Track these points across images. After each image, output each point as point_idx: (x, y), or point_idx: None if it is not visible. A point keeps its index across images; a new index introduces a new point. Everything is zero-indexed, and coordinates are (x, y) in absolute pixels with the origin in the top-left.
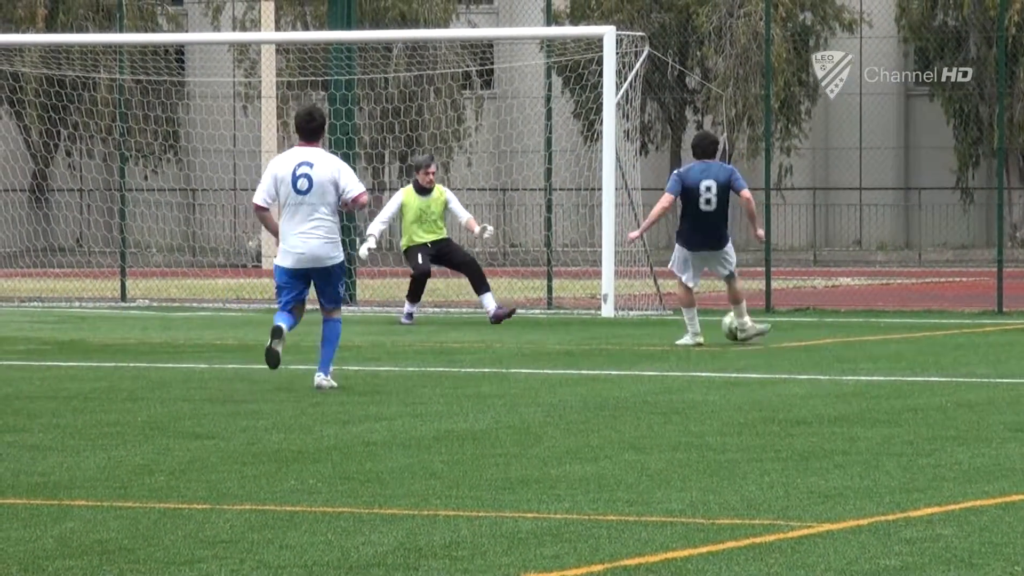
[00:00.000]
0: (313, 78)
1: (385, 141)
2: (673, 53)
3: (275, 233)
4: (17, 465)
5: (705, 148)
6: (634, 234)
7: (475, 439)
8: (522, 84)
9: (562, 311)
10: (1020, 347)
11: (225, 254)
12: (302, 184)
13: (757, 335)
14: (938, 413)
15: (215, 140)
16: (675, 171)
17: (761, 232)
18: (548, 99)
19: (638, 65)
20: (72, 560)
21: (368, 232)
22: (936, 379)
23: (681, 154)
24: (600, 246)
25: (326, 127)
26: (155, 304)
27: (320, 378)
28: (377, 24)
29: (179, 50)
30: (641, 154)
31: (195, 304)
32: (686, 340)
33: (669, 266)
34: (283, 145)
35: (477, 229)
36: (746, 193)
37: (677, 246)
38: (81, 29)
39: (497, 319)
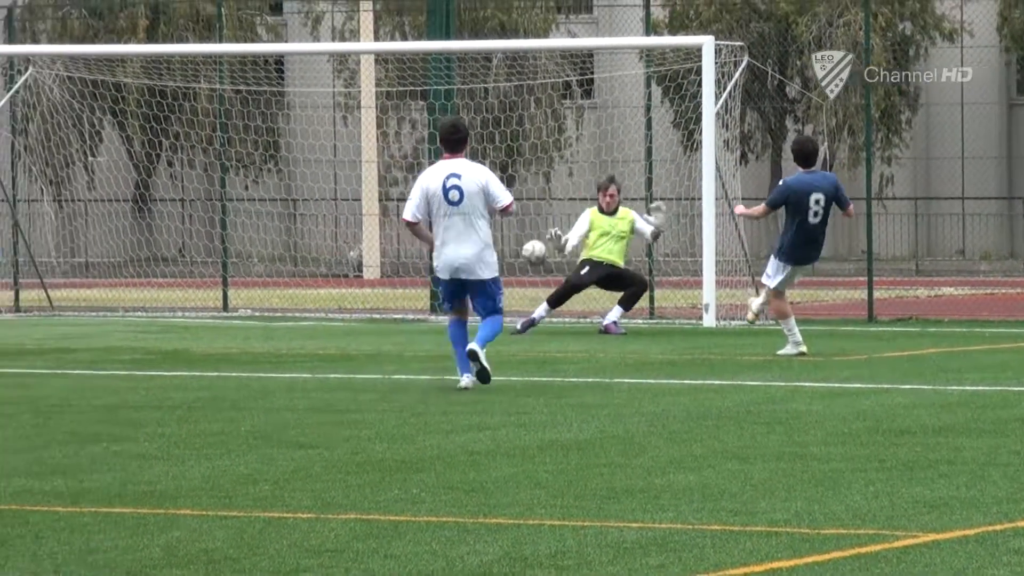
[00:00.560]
0: (412, 88)
1: (485, 151)
2: (772, 62)
3: (429, 243)
4: (124, 475)
5: (808, 155)
6: (741, 208)
7: (579, 449)
8: (622, 94)
9: (664, 321)
10: None
11: (326, 264)
12: (453, 195)
13: (760, 312)
14: None
15: (315, 150)
16: (782, 180)
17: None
18: (648, 109)
19: (737, 75)
20: (179, 569)
21: (567, 235)
22: None
23: (782, 163)
24: (701, 256)
25: (470, 138)
26: (257, 314)
27: (474, 345)
28: (476, 34)
29: (279, 60)
30: (741, 164)
31: (297, 314)
32: (788, 350)
33: (763, 279)
34: (382, 155)
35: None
36: (851, 210)
37: (775, 260)
38: (181, 40)
39: (607, 331)
